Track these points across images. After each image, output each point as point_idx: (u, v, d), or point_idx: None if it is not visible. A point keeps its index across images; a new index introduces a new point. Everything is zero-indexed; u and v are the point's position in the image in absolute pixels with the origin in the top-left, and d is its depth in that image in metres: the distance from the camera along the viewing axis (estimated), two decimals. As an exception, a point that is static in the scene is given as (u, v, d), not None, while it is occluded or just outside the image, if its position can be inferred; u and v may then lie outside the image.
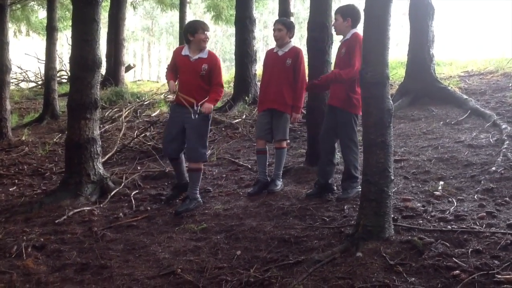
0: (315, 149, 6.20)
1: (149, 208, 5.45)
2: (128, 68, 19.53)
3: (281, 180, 5.60)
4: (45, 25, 12.83)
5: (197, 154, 5.22)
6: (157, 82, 22.83)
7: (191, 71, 5.25)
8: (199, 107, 5.10)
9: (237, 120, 9.45)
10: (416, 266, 3.37)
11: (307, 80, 5.71)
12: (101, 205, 5.62)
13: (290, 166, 6.31)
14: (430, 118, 7.89)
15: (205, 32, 5.23)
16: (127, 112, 11.22)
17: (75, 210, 5.40)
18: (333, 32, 5.59)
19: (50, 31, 11.92)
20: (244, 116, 9.71)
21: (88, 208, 5.50)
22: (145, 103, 12.63)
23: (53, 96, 12.12)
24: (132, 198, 5.76)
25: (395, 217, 4.14)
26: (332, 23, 5.29)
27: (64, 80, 18.53)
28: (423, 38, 8.73)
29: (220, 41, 43.67)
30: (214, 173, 6.61)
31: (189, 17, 15.79)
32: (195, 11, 31.85)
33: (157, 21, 43.03)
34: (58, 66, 14.26)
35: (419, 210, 4.40)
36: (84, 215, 5.30)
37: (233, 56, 12.03)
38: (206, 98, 5.22)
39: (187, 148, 5.31)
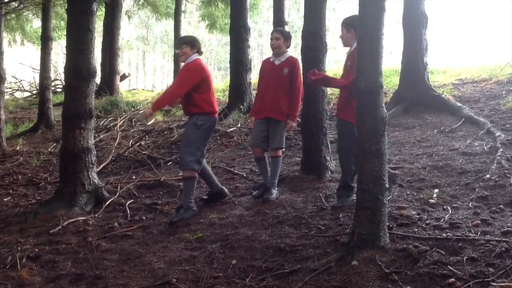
0: (310, 157, 6.22)
1: (144, 217, 5.44)
2: (123, 77, 19.54)
3: (276, 188, 5.60)
4: (40, 34, 12.84)
5: (182, 162, 5.25)
6: (152, 91, 22.85)
7: None
8: None
9: (232, 129, 9.46)
10: (412, 274, 3.38)
11: (302, 90, 5.72)
12: (96, 215, 5.60)
13: (285, 174, 6.32)
14: (424, 126, 7.92)
15: (177, 50, 5.45)
16: (122, 121, 11.22)
17: (70, 220, 5.38)
18: (327, 41, 5.60)
19: (45, 40, 11.93)
20: (239, 125, 9.71)
21: (82, 218, 5.48)
22: (140, 112, 12.61)
23: (48, 106, 12.12)
24: (127, 207, 5.75)
25: (390, 225, 4.15)
26: (339, 35, 5.19)
27: (59, 90, 18.52)
28: (417, 46, 8.79)
29: (215, 49, 43.79)
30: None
31: (184, 26, 15.84)
32: (190, 20, 31.98)
33: (152, 30, 43.12)
34: (52, 76, 14.26)
35: (414, 218, 4.41)
36: (79, 225, 5.28)
37: (228, 65, 12.05)
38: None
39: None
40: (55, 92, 16.89)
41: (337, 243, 4.12)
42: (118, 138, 9.53)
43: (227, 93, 12.41)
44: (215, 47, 43.41)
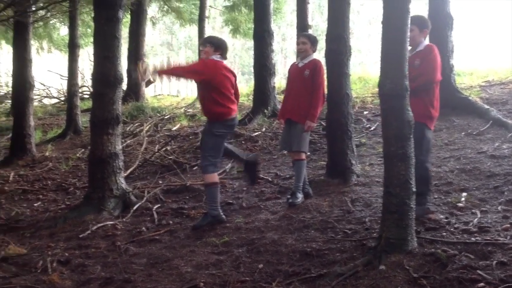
0: (335, 161, 6.20)
1: (171, 222, 5.49)
2: (149, 83, 19.69)
3: (301, 192, 5.60)
4: (67, 42, 13.06)
5: (201, 165, 5.28)
6: (177, 96, 23.01)
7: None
8: None
9: (256, 133, 9.47)
10: (440, 279, 3.34)
11: (325, 92, 5.71)
12: (124, 219, 5.67)
13: (310, 178, 6.30)
14: (451, 129, 7.82)
15: (200, 47, 5.35)
16: (148, 127, 11.33)
17: (99, 225, 5.46)
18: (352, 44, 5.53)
19: (72, 48, 12.13)
20: (263, 129, 9.73)
21: (111, 222, 5.55)
22: (166, 117, 12.73)
23: (76, 112, 12.30)
24: (154, 212, 5.81)
25: (418, 230, 4.10)
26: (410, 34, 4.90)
27: (86, 96, 18.79)
28: (443, 49, 8.66)
29: (239, 54, 43.94)
30: (235, 186, 6.63)
31: (208, 31, 15.92)
32: (213, 25, 32.16)
33: (176, 36, 43.51)
34: (80, 82, 14.48)
35: (442, 222, 4.36)
36: (107, 230, 5.36)
37: (252, 69, 12.08)
38: None
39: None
40: (82, 99, 17.14)
41: (364, 247, 4.09)
42: (144, 143, 9.63)
43: (251, 97, 12.45)
44: (238, 51, 43.55)
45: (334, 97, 6.20)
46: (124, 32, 16.63)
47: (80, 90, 14.88)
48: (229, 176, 7.11)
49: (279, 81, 15.63)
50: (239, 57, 44.25)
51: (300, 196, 5.54)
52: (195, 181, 6.89)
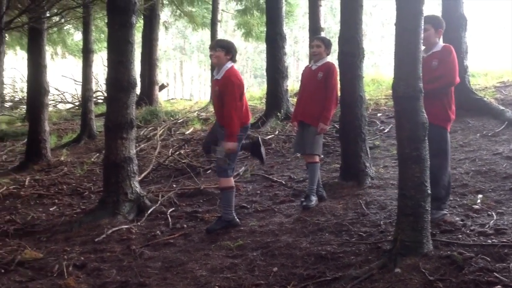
0: (349, 164, 6.18)
1: (185, 225, 5.51)
2: (162, 87, 19.85)
3: (315, 195, 5.59)
4: (81, 47, 13.20)
5: (218, 169, 5.23)
6: (190, 100, 23.13)
7: (212, 91, 5.33)
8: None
9: (270, 136, 9.48)
10: (457, 282, 3.31)
11: (339, 94, 5.71)
12: (139, 223, 5.70)
13: (324, 181, 6.29)
14: (466, 130, 7.77)
15: (210, 51, 5.22)
16: (161, 131, 11.39)
17: (114, 229, 5.49)
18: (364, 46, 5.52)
19: (86, 53, 12.26)
20: (277, 132, 9.73)
21: (126, 226, 5.58)
22: (179, 121, 12.79)
23: (90, 117, 12.41)
24: (168, 216, 5.83)
25: (434, 232, 4.08)
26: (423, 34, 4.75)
27: (100, 101, 18.96)
28: (457, 50, 8.57)
29: (251, 57, 44.06)
30: (249, 190, 6.64)
31: (220, 35, 15.98)
32: (226, 29, 32.28)
33: (188, 40, 43.73)
34: (94, 87, 14.59)
35: (458, 225, 4.33)
36: (122, 233, 5.39)
37: (265, 72, 12.10)
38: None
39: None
40: (96, 103, 17.30)
41: (379, 250, 4.08)
42: (158, 147, 9.68)
43: (264, 100, 12.46)
44: (251, 54, 43.67)
45: (348, 99, 6.19)
46: (137, 37, 16.79)
47: (94, 95, 14.99)
48: (243, 179, 7.12)
49: (292, 84, 15.62)
50: (252, 60, 44.36)
51: (314, 199, 5.54)
52: (209, 185, 6.90)
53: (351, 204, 5.41)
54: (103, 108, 15.77)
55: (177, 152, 9.21)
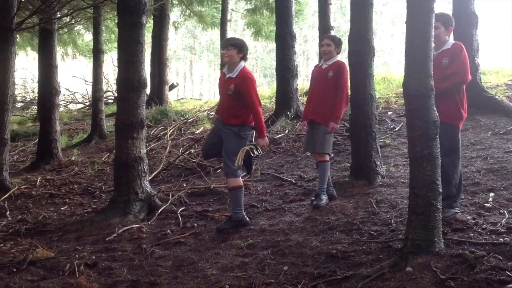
0: (359, 163, 6.17)
1: (195, 224, 5.52)
2: (172, 87, 19.92)
3: (326, 194, 5.59)
4: (91, 47, 13.28)
5: (228, 170, 5.19)
6: (200, 99, 23.18)
7: (222, 90, 5.27)
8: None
9: (280, 135, 9.49)
10: (468, 281, 3.29)
11: (349, 93, 5.71)
12: (149, 223, 5.72)
13: (334, 180, 6.28)
14: (477, 128, 7.72)
15: (222, 50, 5.21)
16: (171, 130, 11.44)
17: (125, 228, 5.51)
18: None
19: (97, 53, 12.33)
20: (286, 131, 9.73)
21: (136, 225, 5.60)
22: (189, 120, 12.84)
23: (101, 117, 12.49)
24: (179, 215, 5.85)
25: (445, 231, 4.06)
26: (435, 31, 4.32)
27: (110, 101, 19.06)
28: (468, 47, 8.53)
29: (261, 56, 44.06)
30: (259, 189, 6.65)
31: (229, 34, 16.01)
32: (235, 29, 32.30)
33: (198, 40, 43.81)
34: (104, 87, 14.67)
35: (469, 223, 4.30)
36: (133, 233, 5.41)
37: (274, 72, 12.09)
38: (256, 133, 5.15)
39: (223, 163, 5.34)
40: (107, 103, 17.40)
41: (390, 249, 4.06)
42: (168, 147, 9.73)
43: (273, 99, 12.46)
44: (260, 54, 43.68)
45: (358, 98, 6.17)
46: (147, 37, 16.87)
47: (104, 95, 15.09)
48: (253, 178, 7.12)
49: (302, 83, 15.63)
50: (261, 60, 44.35)
51: (324, 198, 5.53)
52: (219, 184, 6.92)
53: (361, 203, 5.40)
54: (113, 108, 15.84)
55: (187, 152, 9.23)
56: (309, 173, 7.03)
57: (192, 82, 46.10)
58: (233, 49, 5.09)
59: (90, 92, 16.98)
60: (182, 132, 11.46)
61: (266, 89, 21.80)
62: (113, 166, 6.60)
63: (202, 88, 45.32)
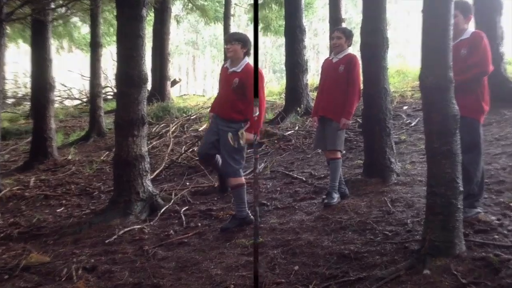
0: (373, 159, 6.15)
1: (199, 224, 5.53)
2: (174, 82, 19.97)
3: (337, 192, 5.58)
4: (89, 40, 13.28)
5: (229, 170, 5.19)
6: (203, 95, 23.21)
7: (224, 84, 5.29)
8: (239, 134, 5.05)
9: (289, 132, 9.49)
10: (492, 286, 3.25)
11: (361, 87, 5.69)
12: (151, 223, 5.73)
13: (347, 177, 6.27)
14: (502, 122, 7.67)
15: (226, 45, 5.24)
16: (174, 128, 11.46)
17: (125, 229, 5.51)
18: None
19: (94, 47, 12.32)
20: (296, 128, 9.74)
21: (138, 226, 5.60)
22: (192, 117, 12.87)
23: (99, 114, 12.50)
24: (182, 214, 5.86)
25: (467, 232, 4.02)
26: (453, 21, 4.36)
27: (109, 97, 19.08)
28: (491, 35, 8.48)
29: (270, 52, 44.05)
30: (268, 187, 6.65)
31: (233, 29, 16.03)
32: (239, 24, 32.34)
33: (201, 35, 43.88)
34: (103, 83, 14.63)
35: (493, 224, 4.26)
36: (134, 234, 5.41)
37: (283, 67, 12.10)
38: (247, 126, 5.06)
39: (221, 162, 5.34)
40: (106, 100, 17.39)
41: (406, 250, 4.04)
42: (170, 145, 9.74)
43: (283, 95, 12.47)
44: (269, 49, 43.67)
45: (371, 92, 6.16)
46: (148, 31, 16.92)
47: (103, 91, 15.09)
48: (263, 176, 7.12)
49: (312, 78, 15.62)
50: (270, 55, 44.36)
51: (336, 196, 5.53)
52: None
53: (375, 201, 5.39)
54: (112, 105, 15.88)
55: (190, 149, 9.25)
56: (320, 170, 7.03)
57: (195, 78, 46.18)
58: (237, 44, 5.14)
59: (87, 88, 16.99)
60: (185, 129, 11.48)
61: (275, 85, 21.80)
62: (113, 165, 6.59)
63: (205, 84, 45.36)
